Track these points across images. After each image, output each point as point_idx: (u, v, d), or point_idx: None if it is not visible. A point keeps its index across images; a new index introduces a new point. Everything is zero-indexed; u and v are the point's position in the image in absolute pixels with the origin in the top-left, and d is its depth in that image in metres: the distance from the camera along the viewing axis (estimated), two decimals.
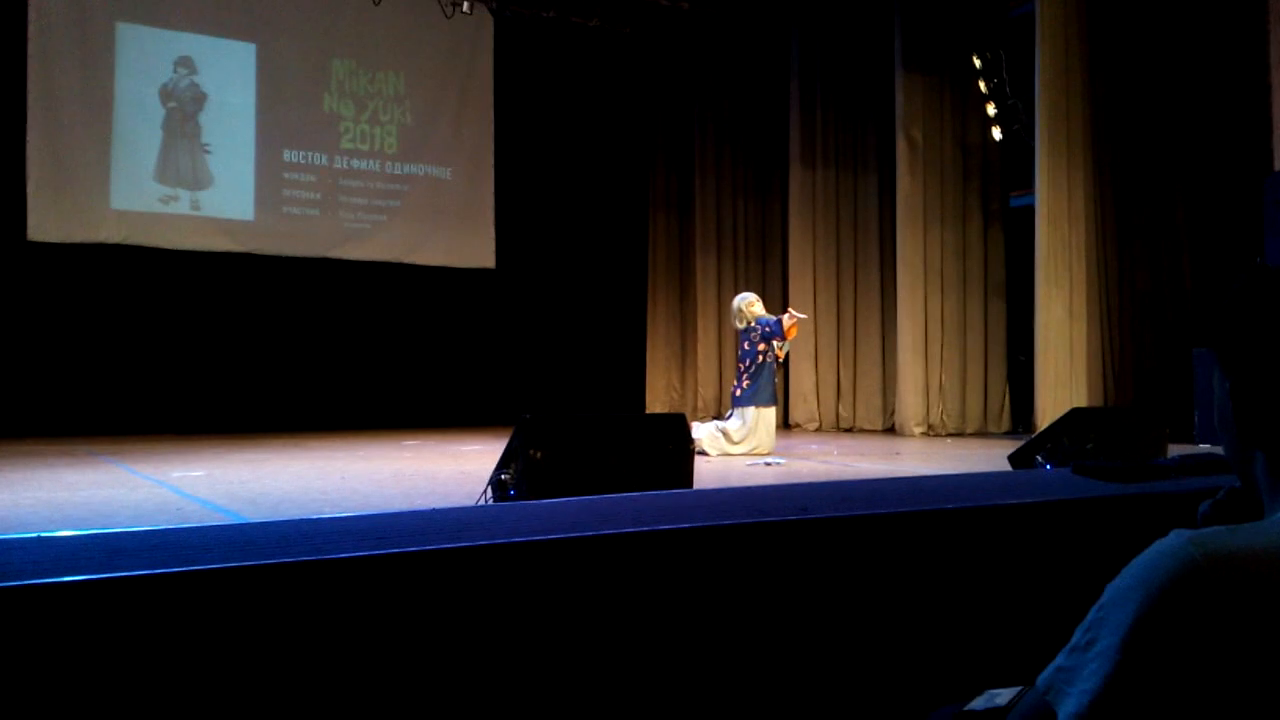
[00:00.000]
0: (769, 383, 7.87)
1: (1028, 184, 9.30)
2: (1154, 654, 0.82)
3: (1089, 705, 0.84)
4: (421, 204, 11.56)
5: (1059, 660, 0.90)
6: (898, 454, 7.79)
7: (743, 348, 8.04)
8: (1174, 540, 0.85)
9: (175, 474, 5.72)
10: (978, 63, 10.00)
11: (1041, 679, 0.91)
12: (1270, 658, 0.80)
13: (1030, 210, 8.92)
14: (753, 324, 8.00)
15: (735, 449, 7.61)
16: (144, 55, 10.23)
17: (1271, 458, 0.96)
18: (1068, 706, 0.86)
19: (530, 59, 11.98)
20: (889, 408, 10.91)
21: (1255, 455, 0.98)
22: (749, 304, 8.16)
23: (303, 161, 11.00)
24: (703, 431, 7.56)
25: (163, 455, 7.01)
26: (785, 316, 7.99)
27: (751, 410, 7.73)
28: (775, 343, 7.93)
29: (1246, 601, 0.81)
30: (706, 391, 12.42)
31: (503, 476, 3.71)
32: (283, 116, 10.88)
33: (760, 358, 7.89)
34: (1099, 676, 0.84)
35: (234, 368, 10.37)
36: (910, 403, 10.13)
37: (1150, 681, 0.82)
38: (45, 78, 9.70)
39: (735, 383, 8.04)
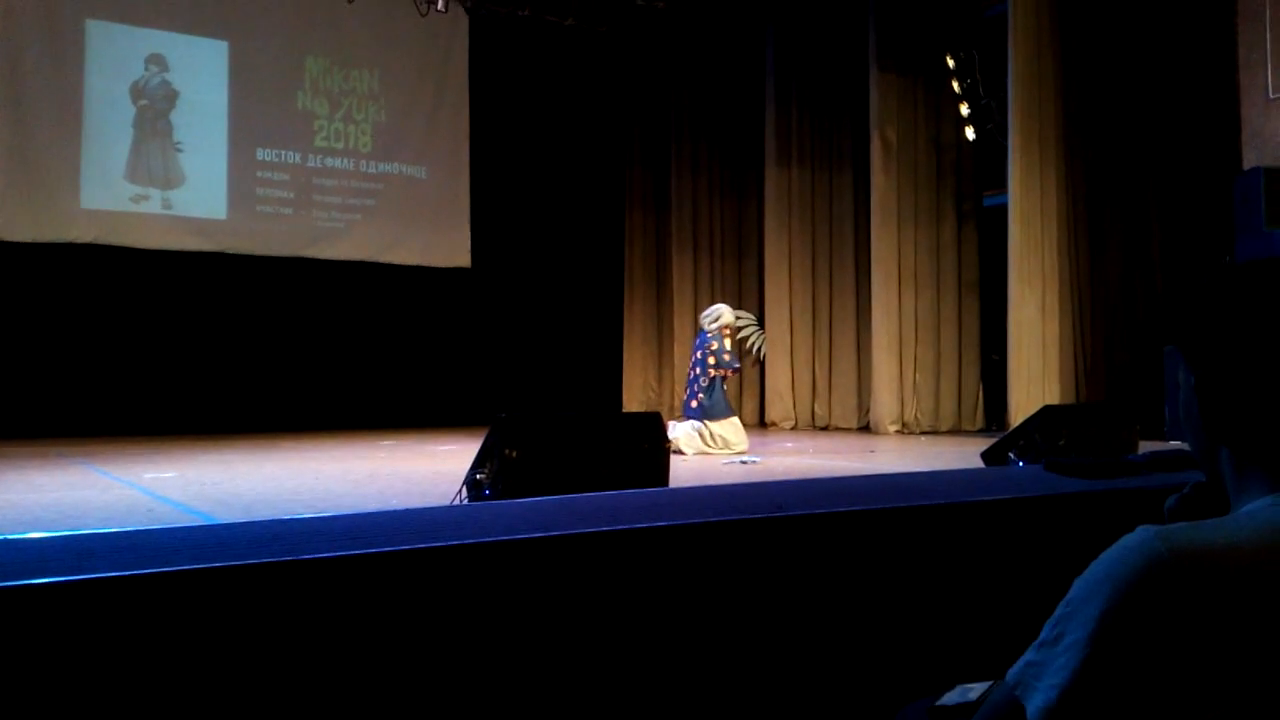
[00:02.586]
0: (721, 396, 7.92)
1: (1001, 183, 9.36)
2: (1121, 648, 0.83)
3: (1057, 699, 0.85)
4: (396, 203, 11.51)
5: (1028, 655, 0.91)
6: (872, 452, 7.83)
7: (695, 356, 8.09)
8: (1140, 535, 0.86)
9: (146, 475, 5.67)
10: (951, 63, 10.06)
11: (1011, 674, 0.92)
12: (1235, 651, 0.81)
13: (1003, 209, 8.98)
14: (713, 346, 7.97)
15: (712, 448, 7.65)
16: (114, 53, 10.13)
17: (1236, 453, 0.97)
18: (1036, 701, 0.87)
19: (505, 57, 11.95)
20: (864, 406, 10.96)
21: (1220, 450, 0.99)
22: (726, 325, 8.18)
23: (276, 160, 10.92)
24: (679, 431, 7.58)
25: (134, 456, 6.95)
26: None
27: (706, 423, 7.75)
28: (725, 373, 8.01)
29: (1212, 595, 0.82)
30: (683, 390, 12.43)
31: (478, 476, 3.70)
32: (255, 115, 10.80)
33: (712, 371, 7.95)
34: (1067, 671, 0.85)
35: (206, 368, 10.28)
36: (885, 401, 10.18)
37: (1118, 675, 0.83)
38: (14, 76, 9.59)
39: (688, 390, 8.07)
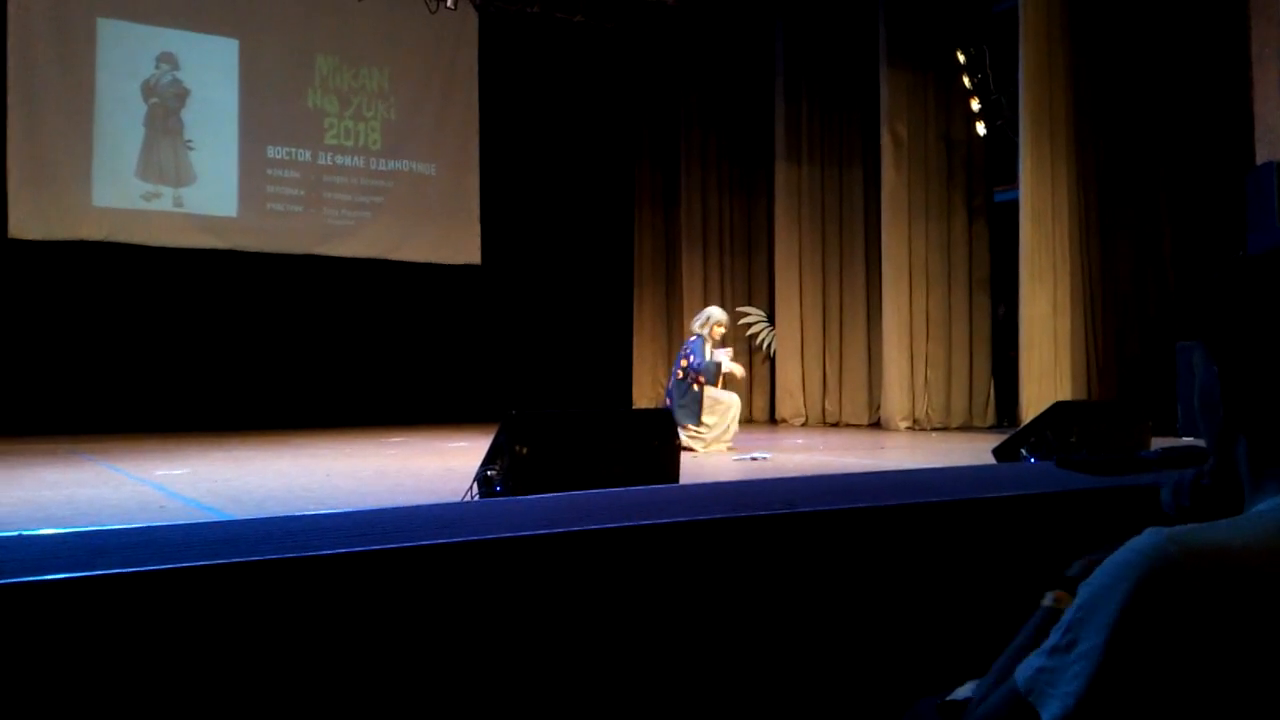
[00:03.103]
0: (694, 401, 7.77)
1: (1012, 179, 9.33)
2: (1138, 653, 0.82)
3: (1075, 706, 0.84)
4: (406, 200, 11.53)
5: (1039, 661, 0.90)
6: (883, 448, 7.81)
7: (678, 361, 7.99)
8: (1151, 538, 0.85)
9: (159, 472, 5.69)
10: (962, 58, 10.02)
11: (1020, 678, 0.91)
12: (1252, 653, 0.80)
13: (1014, 205, 8.95)
14: (689, 352, 7.87)
15: (718, 435, 7.67)
16: (125, 51, 10.16)
17: (1254, 443, 0.96)
18: (1053, 708, 0.86)
19: (515, 54, 11.96)
20: (874, 403, 10.94)
21: (1239, 443, 0.98)
22: (718, 324, 8.04)
23: (286, 158, 10.95)
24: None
25: (146, 453, 6.97)
26: (725, 356, 7.93)
27: (697, 422, 7.71)
28: (698, 380, 7.83)
29: (1228, 598, 0.81)
30: None
31: (489, 473, 3.70)
32: (266, 112, 10.82)
33: (687, 382, 7.85)
34: (1083, 678, 0.84)
35: (218, 365, 10.32)
36: (895, 397, 10.15)
37: (1135, 680, 0.82)
38: (26, 74, 9.63)
39: (668, 389, 7.99)
